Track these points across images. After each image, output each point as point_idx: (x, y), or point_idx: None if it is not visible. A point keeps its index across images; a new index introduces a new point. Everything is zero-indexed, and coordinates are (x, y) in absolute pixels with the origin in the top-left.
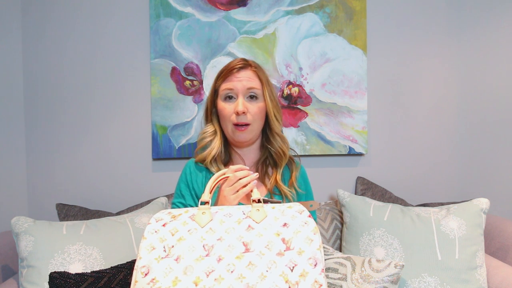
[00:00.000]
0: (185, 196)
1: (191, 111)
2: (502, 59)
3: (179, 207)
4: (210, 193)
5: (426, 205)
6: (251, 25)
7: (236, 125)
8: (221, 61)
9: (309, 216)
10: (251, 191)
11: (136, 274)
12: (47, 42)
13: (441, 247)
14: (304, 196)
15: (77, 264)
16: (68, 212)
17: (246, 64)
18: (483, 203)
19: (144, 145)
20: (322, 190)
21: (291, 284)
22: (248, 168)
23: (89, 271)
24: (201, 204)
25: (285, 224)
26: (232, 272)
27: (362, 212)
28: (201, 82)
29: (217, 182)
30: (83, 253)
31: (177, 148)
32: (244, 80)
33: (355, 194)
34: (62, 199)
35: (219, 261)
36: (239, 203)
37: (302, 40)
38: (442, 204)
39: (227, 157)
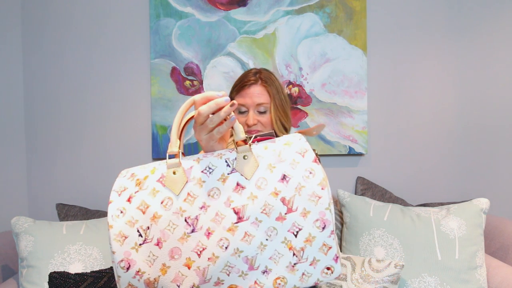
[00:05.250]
0: None
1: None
2: (501, 59)
3: None
4: (180, 139)
5: (426, 205)
6: (251, 25)
7: (248, 131)
8: (221, 61)
9: (315, 161)
10: (232, 128)
11: (117, 270)
12: (47, 42)
13: (441, 247)
14: None
15: (77, 264)
16: (68, 212)
17: (256, 79)
18: (483, 203)
19: (144, 145)
20: None
21: (295, 251)
22: (221, 94)
23: (89, 271)
24: (169, 158)
25: (283, 178)
26: (226, 248)
27: (362, 212)
28: (201, 82)
29: (184, 125)
30: (83, 253)
31: None
32: (254, 96)
33: (355, 194)
34: (62, 199)
35: (209, 235)
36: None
37: (302, 40)
38: (442, 204)
39: None
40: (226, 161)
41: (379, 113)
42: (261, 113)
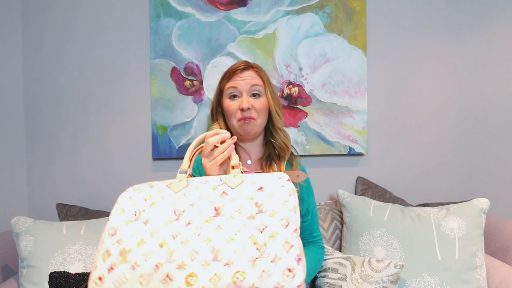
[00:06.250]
0: None
1: (191, 111)
2: (501, 59)
3: None
4: (190, 161)
5: (426, 205)
6: (251, 25)
7: (242, 118)
8: (221, 61)
9: (288, 180)
10: (229, 157)
11: (104, 235)
12: (47, 42)
13: (441, 247)
14: (305, 188)
15: (77, 264)
16: (68, 212)
17: (248, 66)
18: (483, 203)
19: (144, 145)
20: (322, 190)
21: (258, 246)
22: (225, 131)
23: (89, 271)
24: (180, 173)
25: (260, 188)
26: (199, 235)
27: (362, 212)
28: (201, 82)
29: (196, 151)
30: (83, 253)
31: (177, 148)
32: (247, 79)
33: (355, 194)
34: (62, 199)
35: (188, 225)
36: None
37: (302, 40)
38: (442, 204)
39: None
40: (220, 178)
41: (379, 113)
42: (255, 96)
